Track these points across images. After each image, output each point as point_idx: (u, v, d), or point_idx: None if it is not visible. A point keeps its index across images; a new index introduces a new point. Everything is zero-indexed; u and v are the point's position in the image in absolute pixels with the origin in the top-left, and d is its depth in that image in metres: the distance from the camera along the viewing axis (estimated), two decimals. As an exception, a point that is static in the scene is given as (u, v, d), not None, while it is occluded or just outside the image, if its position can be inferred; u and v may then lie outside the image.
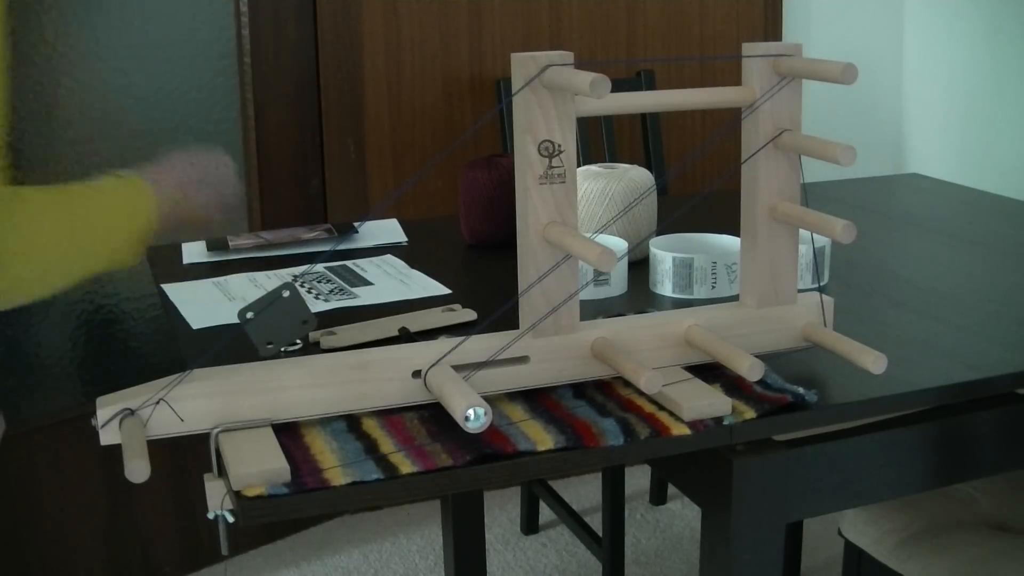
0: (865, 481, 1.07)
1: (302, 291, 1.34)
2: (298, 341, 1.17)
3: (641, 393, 1.04)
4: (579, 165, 1.40)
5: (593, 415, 1.00)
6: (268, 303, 0.97)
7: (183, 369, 0.96)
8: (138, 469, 0.87)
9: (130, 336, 2.24)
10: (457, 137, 2.43)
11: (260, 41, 2.26)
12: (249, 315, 0.98)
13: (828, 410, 1.04)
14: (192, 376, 0.95)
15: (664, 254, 1.36)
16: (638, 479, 2.59)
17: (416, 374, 1.00)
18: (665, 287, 1.37)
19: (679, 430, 0.98)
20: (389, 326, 1.23)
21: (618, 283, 1.37)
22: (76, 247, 1.10)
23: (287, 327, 0.98)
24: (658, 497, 2.55)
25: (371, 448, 0.95)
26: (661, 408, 1.01)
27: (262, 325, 0.98)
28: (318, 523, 2.47)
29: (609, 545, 2.10)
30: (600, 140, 2.38)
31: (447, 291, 1.40)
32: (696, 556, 2.31)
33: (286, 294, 0.98)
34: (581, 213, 1.48)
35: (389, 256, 1.58)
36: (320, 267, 1.52)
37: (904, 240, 1.69)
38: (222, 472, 0.92)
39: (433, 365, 0.99)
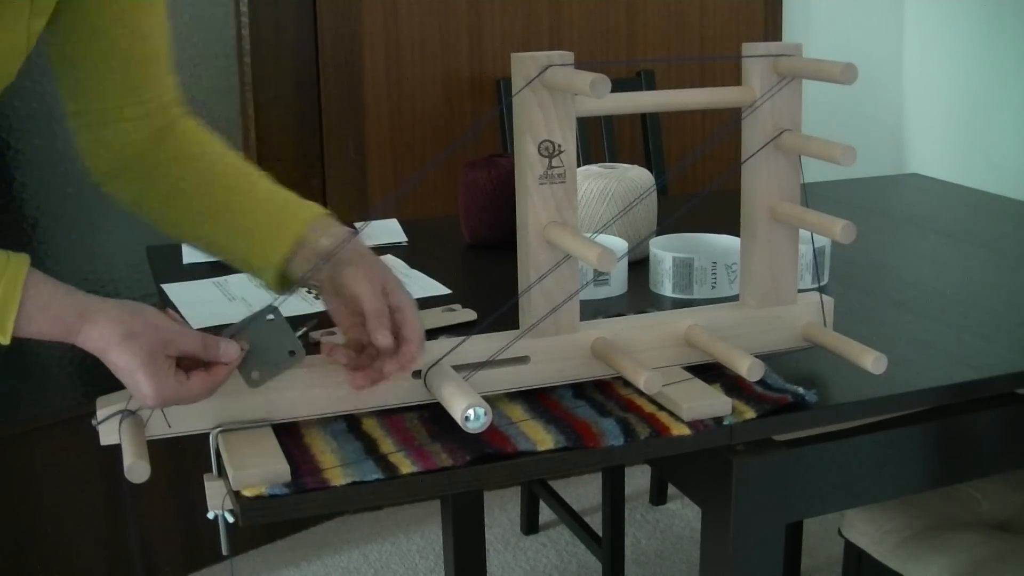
0: (865, 481, 1.07)
1: (297, 301, 1.33)
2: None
3: (641, 393, 1.03)
4: (579, 165, 1.40)
5: (593, 415, 1.00)
6: (250, 323, 0.93)
7: (183, 369, 0.96)
8: (138, 469, 0.87)
9: (130, 336, 2.23)
10: (457, 137, 2.43)
11: (260, 41, 2.25)
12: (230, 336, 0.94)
13: (828, 410, 1.04)
14: (192, 376, 0.95)
15: (664, 254, 1.36)
16: (638, 479, 2.59)
17: (416, 374, 1.00)
18: (665, 287, 1.37)
19: (679, 430, 0.98)
20: (389, 326, 1.22)
21: (618, 283, 1.37)
22: None
23: (273, 355, 0.94)
24: (658, 497, 2.55)
25: (371, 448, 0.95)
26: (661, 408, 1.01)
27: (247, 350, 0.94)
28: (318, 523, 2.47)
29: (609, 545, 2.10)
30: (600, 140, 2.38)
31: (447, 291, 1.40)
32: (696, 556, 2.31)
33: (270, 318, 0.94)
34: (581, 213, 1.48)
35: (389, 256, 1.57)
36: (320, 267, 1.51)
37: (904, 240, 1.69)
38: (222, 472, 0.92)
39: (433, 365, 0.99)
